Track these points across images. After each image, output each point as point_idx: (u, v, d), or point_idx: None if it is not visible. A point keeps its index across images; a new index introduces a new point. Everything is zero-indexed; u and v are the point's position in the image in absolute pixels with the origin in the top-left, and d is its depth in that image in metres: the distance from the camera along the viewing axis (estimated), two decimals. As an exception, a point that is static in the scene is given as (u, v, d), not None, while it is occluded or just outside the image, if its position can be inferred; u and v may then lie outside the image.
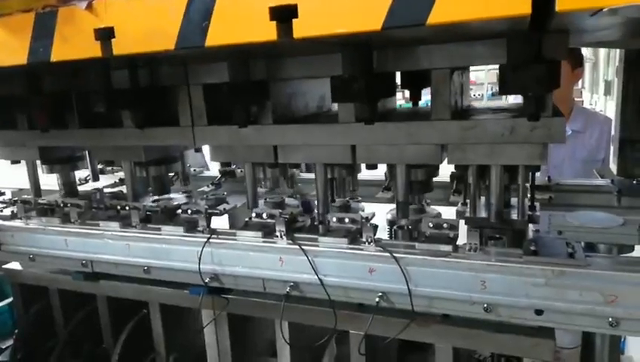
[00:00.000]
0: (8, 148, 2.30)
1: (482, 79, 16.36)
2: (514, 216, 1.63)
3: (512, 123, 1.40)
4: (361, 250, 1.59)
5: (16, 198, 2.31)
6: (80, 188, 2.48)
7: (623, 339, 1.93)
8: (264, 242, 1.73)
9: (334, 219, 1.73)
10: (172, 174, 2.53)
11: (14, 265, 2.38)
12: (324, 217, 1.77)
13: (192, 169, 2.70)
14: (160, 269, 1.90)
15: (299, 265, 1.64)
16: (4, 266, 2.40)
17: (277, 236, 1.73)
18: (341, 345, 1.88)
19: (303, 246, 1.62)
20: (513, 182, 1.63)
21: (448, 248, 1.49)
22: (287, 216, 1.75)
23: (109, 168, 2.81)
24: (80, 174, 2.72)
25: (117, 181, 2.60)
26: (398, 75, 1.79)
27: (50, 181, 2.71)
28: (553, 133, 1.37)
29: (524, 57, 1.23)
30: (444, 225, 1.56)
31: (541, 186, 1.95)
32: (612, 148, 2.42)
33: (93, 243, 1.99)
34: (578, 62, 3.31)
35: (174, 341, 2.13)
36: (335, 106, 1.95)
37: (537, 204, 1.75)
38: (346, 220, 1.70)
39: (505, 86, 1.28)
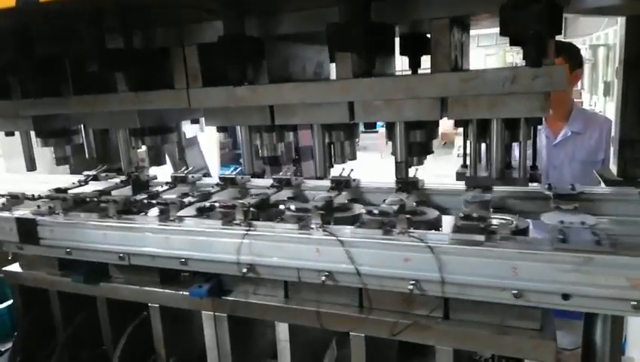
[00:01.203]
0: (1, 120, 2.25)
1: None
2: (515, 174, 1.62)
3: (514, 72, 1.38)
4: (396, 240, 1.57)
5: (49, 194, 2.32)
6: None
7: (623, 340, 1.93)
8: (300, 233, 1.71)
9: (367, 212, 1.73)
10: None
11: (14, 267, 2.38)
12: (321, 174, 1.78)
13: (192, 174, 2.69)
14: (196, 261, 1.87)
15: (335, 255, 1.62)
16: (4, 268, 2.40)
17: (312, 228, 1.71)
18: (341, 347, 1.88)
19: (339, 237, 1.60)
20: (514, 140, 1.61)
21: (481, 238, 1.48)
22: (321, 208, 1.75)
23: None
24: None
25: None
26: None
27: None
28: (555, 80, 1.34)
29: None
30: (475, 216, 1.57)
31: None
32: (612, 149, 2.41)
33: (131, 237, 1.96)
34: (577, 63, 3.32)
35: (174, 343, 2.13)
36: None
37: (539, 165, 1.72)
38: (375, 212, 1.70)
39: (505, 26, 1.25)
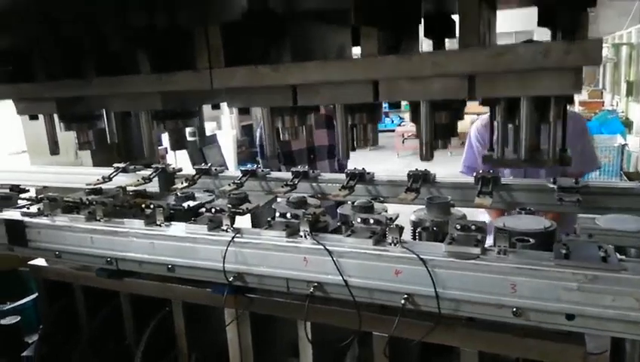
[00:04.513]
0: (25, 103, 2.27)
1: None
2: (544, 156, 1.56)
3: (546, 46, 1.31)
4: (387, 251, 1.58)
5: (42, 196, 2.35)
6: (103, 186, 2.51)
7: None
8: (288, 242, 1.73)
9: (358, 220, 1.71)
10: (195, 173, 2.56)
11: (39, 261, 2.42)
12: (344, 156, 1.74)
13: (213, 168, 2.72)
14: (184, 267, 1.92)
15: (323, 266, 1.64)
16: (29, 262, 2.45)
17: (301, 236, 1.73)
18: (363, 346, 1.87)
19: (327, 247, 1.62)
20: (543, 121, 1.55)
21: (477, 250, 1.47)
22: (310, 216, 1.75)
23: (132, 167, 2.85)
24: (104, 172, 2.76)
25: (139, 180, 2.62)
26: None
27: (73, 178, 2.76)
28: (589, 55, 1.28)
29: None
30: (472, 227, 1.54)
31: (568, 188, 1.92)
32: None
33: (117, 241, 2.01)
34: None
35: (196, 339, 2.14)
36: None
37: (568, 149, 1.68)
38: (371, 221, 1.69)
39: None
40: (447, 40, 1.80)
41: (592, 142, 3.42)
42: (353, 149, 1.83)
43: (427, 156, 1.63)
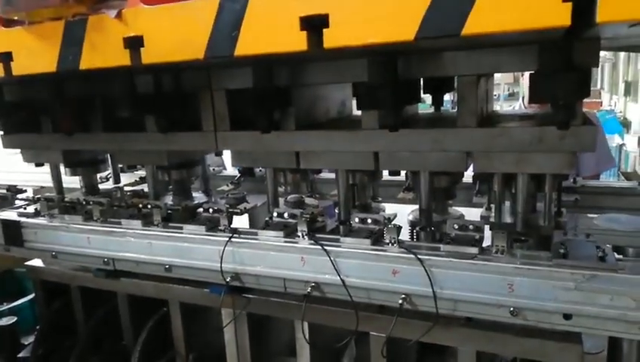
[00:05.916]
0: (32, 151, 2.33)
1: (498, 79, 16.13)
2: (540, 222, 1.60)
3: (541, 131, 1.37)
4: (384, 251, 1.57)
5: (39, 196, 2.35)
6: (100, 186, 2.50)
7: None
8: (285, 242, 1.72)
9: (356, 220, 1.71)
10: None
11: (36, 262, 2.41)
12: (345, 217, 1.76)
13: (210, 168, 2.71)
14: (181, 268, 1.91)
15: (320, 266, 1.63)
16: (26, 263, 2.44)
17: (298, 236, 1.72)
18: (360, 346, 1.87)
19: (325, 247, 1.61)
20: (540, 190, 1.60)
21: (474, 250, 1.47)
22: (308, 216, 1.74)
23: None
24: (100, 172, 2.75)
25: (137, 180, 2.61)
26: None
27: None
28: (583, 141, 1.34)
29: (555, 66, 1.22)
30: (470, 227, 1.54)
31: (567, 188, 1.92)
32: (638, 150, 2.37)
33: (115, 241, 2.01)
34: None
35: (194, 339, 2.14)
36: (355, 110, 1.94)
37: (564, 210, 1.72)
38: (368, 221, 1.69)
39: (535, 94, 1.27)
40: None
41: (606, 141, 3.39)
42: (354, 206, 1.91)
43: (426, 222, 1.70)
